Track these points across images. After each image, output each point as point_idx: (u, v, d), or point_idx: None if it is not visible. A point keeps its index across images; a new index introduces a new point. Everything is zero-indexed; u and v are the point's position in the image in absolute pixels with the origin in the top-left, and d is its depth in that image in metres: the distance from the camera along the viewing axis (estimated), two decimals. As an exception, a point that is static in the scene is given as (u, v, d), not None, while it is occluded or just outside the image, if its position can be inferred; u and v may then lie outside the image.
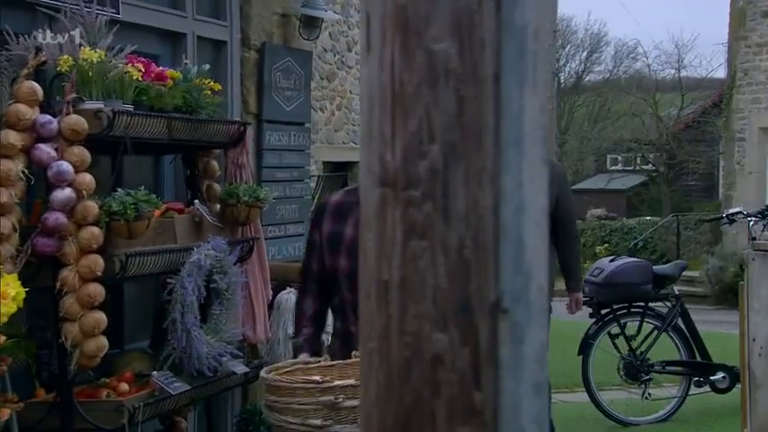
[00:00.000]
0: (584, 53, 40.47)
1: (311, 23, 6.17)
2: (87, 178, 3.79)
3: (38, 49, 3.84)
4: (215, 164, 4.79)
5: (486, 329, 1.48)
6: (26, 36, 3.91)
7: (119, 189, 3.89)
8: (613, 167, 37.90)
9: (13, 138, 3.66)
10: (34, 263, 3.79)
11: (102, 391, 4.01)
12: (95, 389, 4.04)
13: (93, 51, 3.86)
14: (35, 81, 3.81)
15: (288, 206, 6.03)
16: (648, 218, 26.78)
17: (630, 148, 35.05)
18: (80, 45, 3.94)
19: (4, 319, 3.41)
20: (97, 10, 4.25)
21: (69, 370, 3.82)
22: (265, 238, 5.75)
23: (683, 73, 35.30)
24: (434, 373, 1.47)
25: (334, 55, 11.70)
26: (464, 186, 1.47)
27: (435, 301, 1.47)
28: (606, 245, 24.46)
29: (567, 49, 40.64)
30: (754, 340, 4.15)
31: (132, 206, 3.80)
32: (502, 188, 1.48)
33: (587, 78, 40.94)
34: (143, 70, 4.09)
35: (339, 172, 11.52)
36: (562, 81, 40.49)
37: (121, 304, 4.78)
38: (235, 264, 4.43)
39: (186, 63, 4.64)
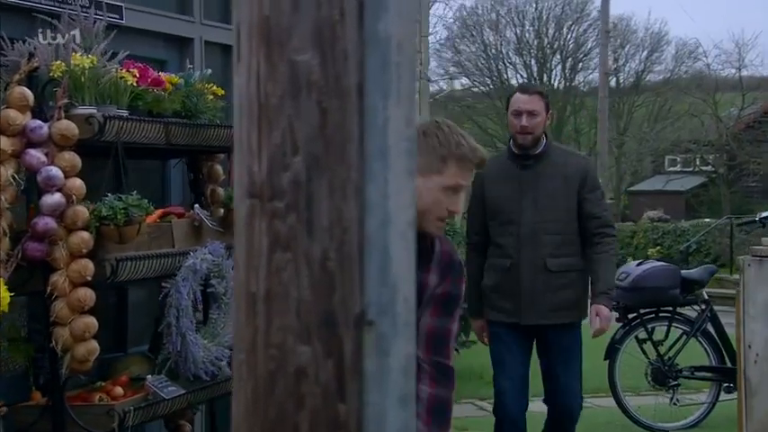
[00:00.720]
0: (644, 53, 39.99)
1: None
2: (77, 183, 3.82)
3: (31, 55, 3.89)
4: (219, 168, 4.82)
5: (351, 342, 1.48)
6: (23, 42, 3.96)
7: (108, 194, 3.92)
8: (671, 168, 37.44)
9: (4, 143, 3.71)
10: (26, 267, 3.83)
11: (95, 394, 4.04)
12: (90, 392, 4.08)
13: (84, 57, 3.90)
14: (28, 86, 3.86)
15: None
16: (707, 220, 26.37)
17: (689, 149, 34.58)
18: (73, 50, 3.98)
19: (-11, 322, 3.45)
20: (98, 15, 4.30)
21: (60, 374, 3.85)
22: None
23: (744, 72, 34.79)
24: (298, 385, 1.46)
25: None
26: (328, 198, 1.47)
27: (299, 313, 1.47)
28: (659, 247, 24.14)
29: (626, 49, 40.21)
30: (749, 347, 4.09)
31: (122, 211, 3.82)
32: (367, 200, 1.47)
33: (647, 78, 40.41)
34: (138, 75, 4.12)
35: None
36: (621, 81, 40.12)
37: (125, 308, 4.82)
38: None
39: (190, 67, 4.67)
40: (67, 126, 3.81)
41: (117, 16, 4.63)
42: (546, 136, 5.53)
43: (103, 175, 4.15)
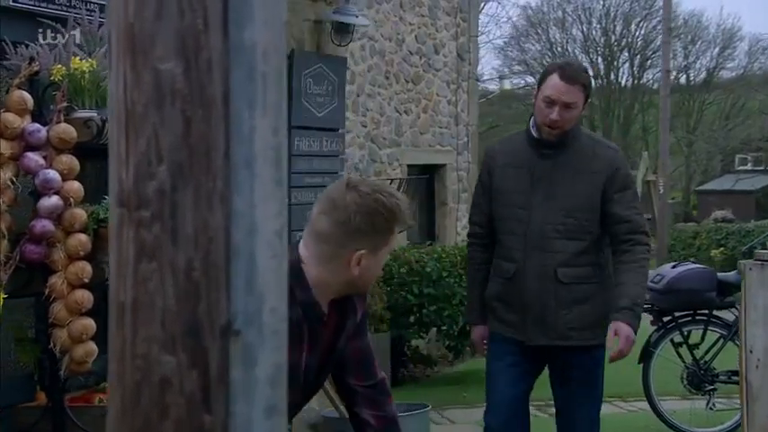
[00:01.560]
0: (716, 49, 39.36)
1: (343, 30, 6.18)
2: (75, 186, 3.87)
3: (31, 59, 3.95)
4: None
5: (217, 352, 1.47)
6: (26, 46, 4.02)
7: (106, 197, 3.96)
8: (741, 167, 36.81)
9: (2, 146, 3.77)
10: (26, 269, 3.89)
11: (95, 396, 4.09)
12: (92, 394, 4.13)
13: (84, 61, 3.95)
14: (29, 90, 3.92)
15: (318, 211, 6.02)
16: (778, 220, 25.87)
17: (760, 148, 33.98)
18: (75, 54, 4.02)
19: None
20: (103, 19, 4.34)
21: (60, 375, 3.90)
22: (296, 243, 5.78)
23: (819, 69, 34.08)
24: (162, 396, 1.45)
25: (420, 58, 11.73)
26: (193, 207, 1.46)
27: (164, 323, 1.46)
28: (722, 248, 23.78)
29: (697, 45, 39.59)
30: (751, 352, 4.01)
31: (119, 214, 3.85)
32: (233, 209, 1.46)
33: (719, 75, 39.75)
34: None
35: (423, 174, 11.53)
36: (691, 78, 39.54)
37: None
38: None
39: (199, 71, 4.68)
40: (65, 129, 3.86)
41: (127, 20, 4.66)
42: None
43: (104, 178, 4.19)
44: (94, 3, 4.58)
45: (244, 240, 1.46)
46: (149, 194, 1.46)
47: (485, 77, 36.00)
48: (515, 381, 4.58)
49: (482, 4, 20.88)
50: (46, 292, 3.85)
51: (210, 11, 1.45)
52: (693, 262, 8.76)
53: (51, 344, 3.86)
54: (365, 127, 10.67)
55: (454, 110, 12.21)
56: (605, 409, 8.48)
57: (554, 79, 4.41)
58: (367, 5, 10.65)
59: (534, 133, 4.54)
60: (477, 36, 12.71)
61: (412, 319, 9.49)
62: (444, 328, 9.59)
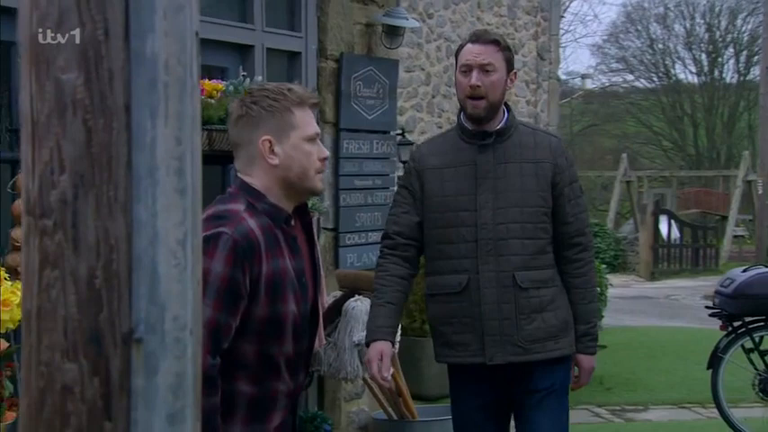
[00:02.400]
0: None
1: (393, 32, 6.17)
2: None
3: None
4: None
5: (119, 360, 1.48)
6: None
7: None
8: None
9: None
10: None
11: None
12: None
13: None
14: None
15: (369, 214, 6.04)
16: None
17: None
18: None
19: (11, 326, 3.59)
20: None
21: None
22: (343, 246, 5.81)
23: None
24: (64, 403, 1.48)
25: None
26: (94, 216, 1.47)
27: (66, 331, 1.48)
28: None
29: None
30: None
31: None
32: (134, 218, 1.47)
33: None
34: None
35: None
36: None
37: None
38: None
39: (243, 75, 4.75)
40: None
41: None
42: (507, 108, 4.05)
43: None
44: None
45: (146, 249, 1.48)
46: (52, 204, 1.48)
47: (578, 75, 35.62)
48: (489, 426, 4.07)
49: (567, 3, 20.68)
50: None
51: (111, 22, 1.46)
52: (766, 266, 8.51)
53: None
54: (440, 128, 10.63)
55: (533, 110, 12.10)
56: (683, 415, 8.37)
57: (466, 47, 3.98)
58: (444, 6, 10.65)
59: (468, 125, 4.00)
60: (560, 35, 12.61)
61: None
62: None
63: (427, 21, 10.43)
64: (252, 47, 5.27)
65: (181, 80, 1.49)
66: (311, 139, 2.85)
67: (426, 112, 10.36)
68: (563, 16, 26.43)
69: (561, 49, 24.27)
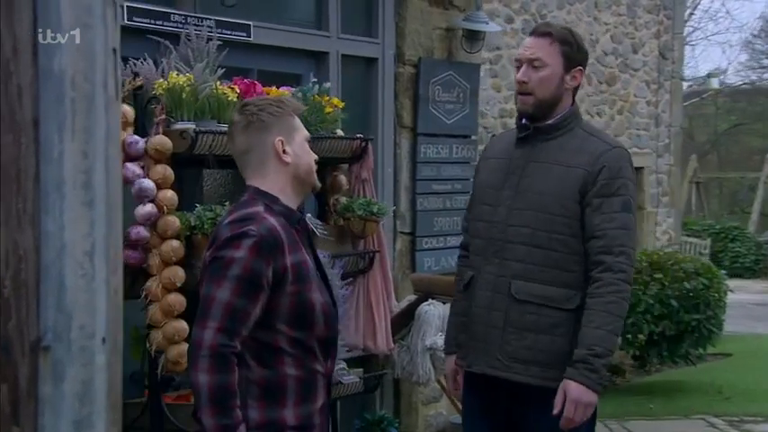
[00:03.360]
0: None
1: (473, 37, 6.17)
2: (169, 194, 4.05)
3: (135, 75, 4.17)
4: (342, 178, 4.93)
5: (26, 367, 1.54)
6: (135, 62, 4.23)
7: (198, 205, 4.13)
8: None
9: (102, 158, 4.00)
10: (128, 273, 4.11)
11: (191, 394, 4.26)
12: (188, 393, 4.31)
13: (180, 75, 4.13)
14: (133, 104, 4.14)
15: (448, 218, 6.04)
16: None
17: None
18: (177, 69, 4.21)
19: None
20: (224, 34, 4.55)
21: (156, 374, 4.10)
22: (420, 250, 5.81)
23: None
24: (-25, 407, 1.55)
25: (616, 58, 11.44)
26: (4, 228, 1.54)
27: (-23, 338, 1.55)
28: None
29: None
30: None
31: (210, 221, 4.02)
32: (43, 230, 1.53)
33: None
34: (239, 91, 4.30)
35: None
36: None
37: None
38: (345, 276, 4.56)
39: (314, 81, 4.81)
40: (161, 141, 4.05)
41: (244, 34, 4.85)
42: (573, 104, 3.73)
43: (214, 186, 4.37)
44: (211, 18, 4.77)
45: (53, 260, 1.53)
46: (-36, 216, 1.56)
47: (727, 74, 34.64)
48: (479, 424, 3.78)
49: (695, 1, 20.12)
50: (142, 295, 4.04)
51: (20, 39, 1.52)
52: None
53: (148, 344, 4.06)
54: (552, 130, 10.50)
55: (654, 111, 11.85)
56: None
57: (524, 41, 3.79)
58: (558, 6, 10.52)
59: (518, 110, 3.80)
60: (687, 33, 12.29)
61: (594, 326, 9.28)
62: (628, 336, 9.34)
63: (540, 22, 10.35)
64: (327, 54, 5.35)
65: (89, 96, 1.54)
66: (308, 141, 3.13)
67: (538, 114, 10.27)
68: (693, 13, 25.82)
69: (691, 48, 23.66)
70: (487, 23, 6.16)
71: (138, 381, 4.27)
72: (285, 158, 3.00)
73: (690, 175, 25.35)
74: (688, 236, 19.54)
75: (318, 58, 5.38)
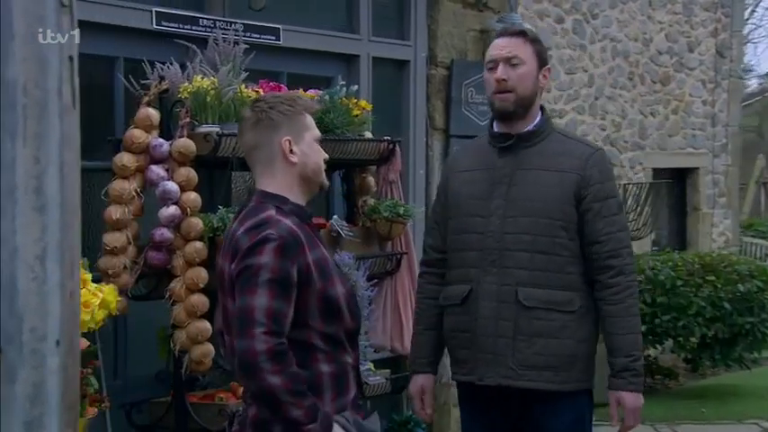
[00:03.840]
0: None
1: (507, 38, 6.13)
2: (192, 196, 4.10)
3: (161, 78, 4.23)
4: (371, 180, 4.95)
5: (-21, 369, 1.59)
6: (162, 66, 4.29)
7: (221, 207, 4.18)
8: None
9: (127, 159, 4.07)
10: (153, 274, 4.18)
11: (216, 394, 4.32)
12: (213, 392, 4.36)
13: (205, 79, 4.18)
14: (158, 107, 4.20)
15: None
16: None
17: None
18: (203, 73, 4.26)
19: (93, 326, 3.78)
20: (253, 38, 4.60)
21: (181, 373, 4.15)
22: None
23: None
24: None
25: (671, 57, 11.32)
26: (-41, 233, 1.58)
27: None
28: None
29: None
30: None
31: (233, 223, 4.06)
32: (-4, 235, 1.57)
33: None
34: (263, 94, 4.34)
35: (667, 179, 11.09)
36: None
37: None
38: (371, 277, 4.58)
39: (342, 84, 4.84)
40: (185, 144, 4.10)
41: (273, 37, 4.89)
42: (543, 110, 3.79)
43: (243, 188, 4.42)
44: (240, 22, 4.82)
45: (5, 264, 1.57)
46: None
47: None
48: None
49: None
50: (167, 296, 4.10)
51: (-27, 50, 1.57)
52: None
53: (172, 344, 4.11)
54: (604, 130, 10.46)
55: (711, 110, 11.70)
56: None
57: (493, 43, 3.79)
58: (610, 5, 10.44)
59: (495, 127, 3.78)
60: (748, 31, 12.14)
61: (644, 328, 9.19)
62: (680, 339, 9.25)
63: (591, 21, 10.27)
64: (357, 56, 5.38)
65: (41, 103, 1.58)
66: (318, 140, 3.12)
67: (588, 114, 10.20)
68: (754, 11, 25.38)
69: (753, 46, 23.21)
70: (521, 25, 6.13)
71: (164, 380, 4.33)
72: (292, 158, 3.01)
73: (756, 176, 24.90)
74: (753, 237, 19.19)
75: (349, 60, 5.41)
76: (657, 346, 9.47)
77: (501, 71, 3.65)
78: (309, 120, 3.10)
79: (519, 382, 3.61)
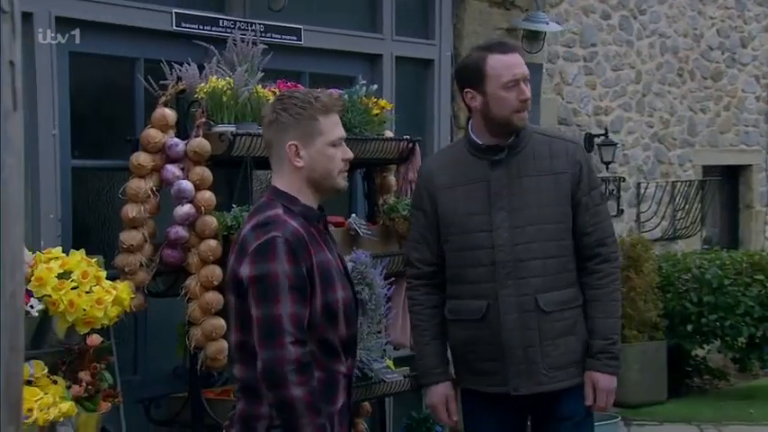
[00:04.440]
0: None
1: (534, 37, 6.17)
2: (207, 195, 4.17)
3: (179, 79, 4.30)
4: (391, 179, 4.98)
5: None
6: (180, 66, 4.36)
7: (235, 205, 4.23)
8: None
9: (143, 159, 4.14)
10: (170, 272, 4.25)
11: (232, 390, 4.37)
12: (230, 388, 4.41)
13: (220, 79, 4.24)
14: (176, 107, 4.27)
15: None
16: None
17: None
18: (221, 73, 4.32)
19: (107, 322, 3.86)
20: (274, 38, 4.66)
21: (196, 369, 4.22)
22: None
23: None
24: None
25: (723, 52, 11.16)
26: None
27: None
28: None
29: None
30: None
31: (245, 221, 4.11)
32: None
33: None
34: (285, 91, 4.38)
35: (717, 176, 10.94)
36: None
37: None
38: (389, 276, 4.60)
39: (363, 84, 4.87)
40: (199, 143, 4.17)
41: (295, 38, 4.95)
42: None
43: (262, 187, 4.48)
44: (260, 23, 4.88)
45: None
46: None
47: None
48: None
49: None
50: (182, 293, 4.17)
51: None
52: None
53: (187, 341, 4.18)
54: (651, 127, 10.36)
55: (764, 107, 11.51)
56: None
57: (501, 60, 3.73)
58: (659, 1, 10.33)
59: (477, 139, 3.82)
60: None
61: (690, 327, 9.11)
62: (727, 338, 9.13)
63: (639, 17, 10.18)
64: (380, 56, 5.41)
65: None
66: (335, 144, 3.09)
67: (636, 112, 10.11)
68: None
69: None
70: (547, 23, 6.14)
71: (181, 376, 4.40)
72: (297, 163, 3.03)
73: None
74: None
75: (372, 60, 5.45)
76: (705, 346, 9.36)
77: (527, 91, 3.74)
78: (324, 123, 3.06)
79: (550, 386, 3.75)
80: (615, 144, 9.68)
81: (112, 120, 4.56)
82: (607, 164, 9.64)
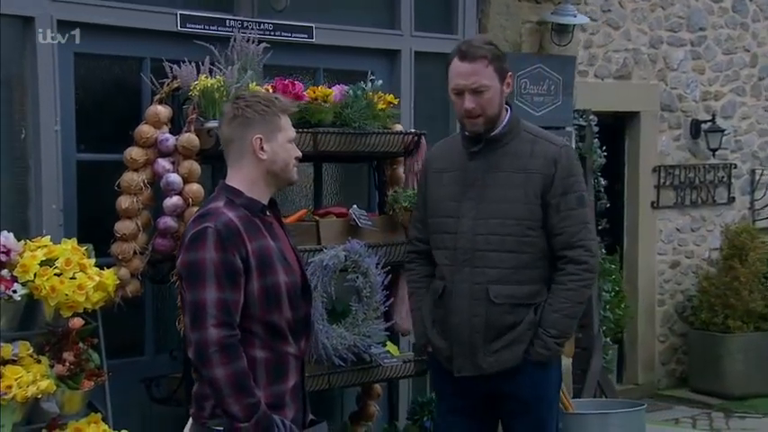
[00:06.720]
0: None
1: (562, 30, 6.15)
2: (194, 188, 4.40)
3: (174, 77, 4.54)
4: (400, 172, 5.09)
5: None
6: (181, 64, 4.59)
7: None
8: None
9: (135, 153, 4.40)
10: (164, 259, 4.50)
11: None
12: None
13: (210, 78, 4.45)
14: (170, 104, 4.52)
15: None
16: None
17: None
18: (219, 71, 4.53)
19: (89, 306, 4.14)
20: (283, 36, 4.86)
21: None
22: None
23: None
24: None
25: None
26: None
27: None
28: None
29: None
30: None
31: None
32: None
33: None
34: (277, 89, 4.55)
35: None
36: None
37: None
38: (389, 264, 4.74)
39: (372, 79, 4.98)
40: (188, 138, 4.40)
41: (305, 35, 5.11)
42: (510, 108, 4.01)
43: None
44: (269, 22, 5.05)
45: None
46: None
47: None
48: (474, 427, 4.07)
49: None
50: (171, 280, 4.40)
51: None
52: None
53: (178, 324, 4.41)
54: (767, 111, 9.98)
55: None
56: None
57: (454, 64, 3.88)
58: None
59: (465, 130, 4.01)
60: None
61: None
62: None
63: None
64: (398, 51, 5.50)
65: None
66: (290, 141, 3.37)
67: (750, 96, 9.80)
68: None
69: None
70: (575, 16, 6.10)
71: (177, 357, 4.65)
72: (261, 155, 3.29)
73: None
74: None
75: (390, 55, 5.54)
76: None
77: (470, 102, 3.86)
78: (285, 121, 3.36)
79: (496, 368, 3.92)
80: (723, 130, 9.42)
81: (119, 116, 4.84)
82: (714, 150, 9.40)
